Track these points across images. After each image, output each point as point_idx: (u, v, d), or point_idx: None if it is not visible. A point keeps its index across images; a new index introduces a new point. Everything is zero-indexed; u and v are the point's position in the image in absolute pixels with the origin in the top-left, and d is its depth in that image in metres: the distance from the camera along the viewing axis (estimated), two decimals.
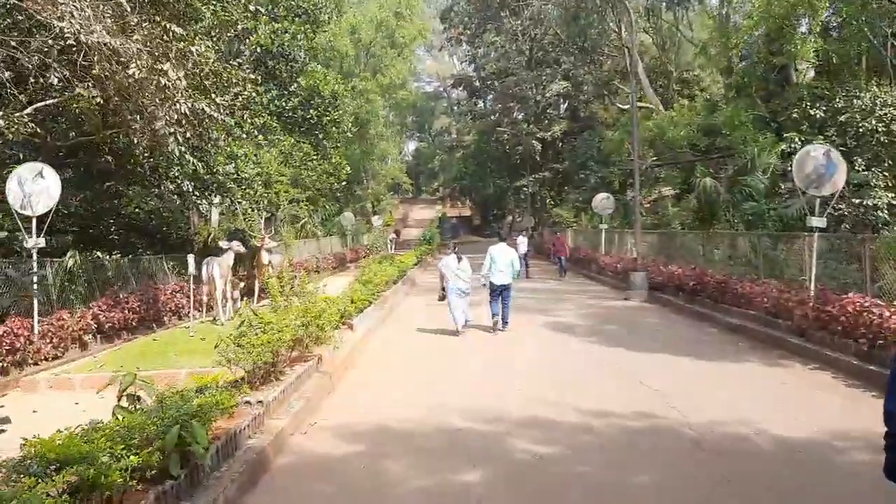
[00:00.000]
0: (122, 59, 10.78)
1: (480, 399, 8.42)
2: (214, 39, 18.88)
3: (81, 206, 20.84)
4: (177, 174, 17.18)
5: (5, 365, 10.11)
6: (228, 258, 13.57)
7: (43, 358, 11.08)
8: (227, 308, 14.07)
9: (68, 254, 13.70)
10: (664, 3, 39.14)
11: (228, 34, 20.01)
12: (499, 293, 13.70)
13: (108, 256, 19.71)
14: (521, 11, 46.02)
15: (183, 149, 13.79)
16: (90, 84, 12.20)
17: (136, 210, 21.06)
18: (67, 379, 9.73)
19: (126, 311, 13.70)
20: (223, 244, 13.83)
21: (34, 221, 11.21)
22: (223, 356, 7.34)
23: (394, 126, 63.71)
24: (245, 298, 13.96)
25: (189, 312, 14.18)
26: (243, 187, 19.26)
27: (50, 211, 11.32)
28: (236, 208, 19.49)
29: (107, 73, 11.09)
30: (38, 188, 11.22)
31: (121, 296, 13.88)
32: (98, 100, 11.95)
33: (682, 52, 42.74)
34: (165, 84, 10.99)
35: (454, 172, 74.37)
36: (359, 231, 41.40)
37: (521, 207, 59.33)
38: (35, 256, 11.26)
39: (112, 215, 21.35)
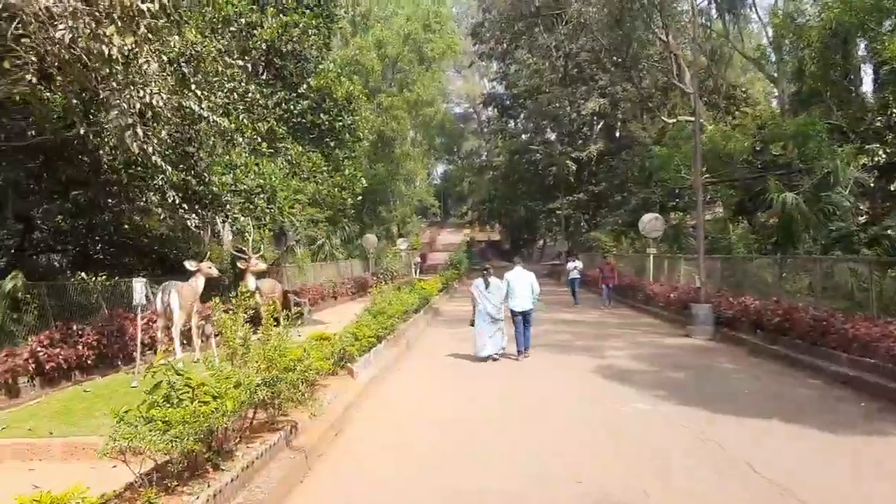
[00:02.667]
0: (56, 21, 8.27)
1: (520, 493, 5.61)
2: (215, 34, 16.53)
3: (65, 221, 18.60)
4: (160, 183, 14.67)
5: None
6: (195, 283, 10.90)
7: None
8: (196, 345, 11.38)
9: (9, 276, 11.17)
10: (714, 8, 36.25)
11: (231, 28, 17.70)
12: (520, 320, 13.02)
13: (92, 279, 17.36)
14: (554, 27, 43.44)
15: (150, 149, 11.29)
16: (26, 61, 9.81)
17: (125, 226, 18.67)
18: None
19: (80, 347, 11.10)
20: (189, 265, 11.17)
21: None
22: (120, 437, 4.61)
23: (421, 146, 61.34)
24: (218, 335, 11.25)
25: (147, 351, 11.60)
26: (242, 201, 16.70)
27: None
28: (234, 225, 16.90)
29: (38, 43, 8.59)
30: None
31: (73, 328, 11.27)
32: (32, 79, 9.47)
33: (731, 65, 39.88)
34: (110, 55, 8.42)
35: (483, 195, 72.00)
36: (382, 254, 38.75)
37: (553, 231, 56.46)
38: None
39: (102, 233, 19.04)
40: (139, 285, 10.34)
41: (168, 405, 4.93)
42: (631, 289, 25.37)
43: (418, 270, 40.91)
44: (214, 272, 11.32)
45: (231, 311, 7.11)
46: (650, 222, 24.37)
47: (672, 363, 12.38)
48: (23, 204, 14.93)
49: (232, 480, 5.16)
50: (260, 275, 13.24)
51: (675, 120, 33.85)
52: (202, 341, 11.24)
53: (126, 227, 18.41)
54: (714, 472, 6.29)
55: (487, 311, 12.78)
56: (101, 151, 12.01)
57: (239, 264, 12.56)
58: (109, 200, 16.70)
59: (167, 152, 14.96)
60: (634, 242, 33.00)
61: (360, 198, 24.60)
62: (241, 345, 6.34)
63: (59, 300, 12.80)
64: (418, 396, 10.01)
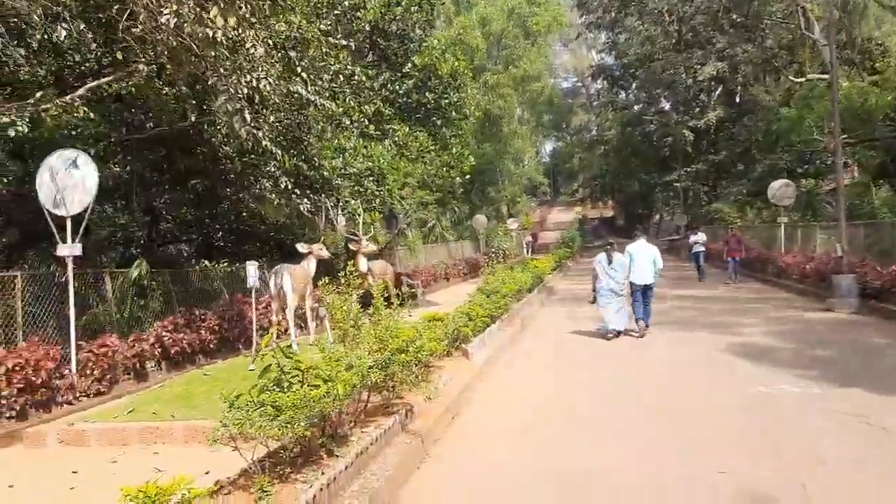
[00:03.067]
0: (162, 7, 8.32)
1: (656, 484, 5.05)
2: (319, 17, 16.60)
3: (189, 212, 19.30)
4: (273, 170, 14.87)
5: (20, 407, 7.85)
6: (307, 266, 10.86)
7: (82, 394, 8.82)
8: (311, 328, 11.40)
9: (135, 263, 11.57)
10: None
11: (335, 10, 17.71)
12: (641, 294, 12.55)
13: (214, 266, 17.92)
14: None
15: (260, 134, 11.34)
16: (145, 56, 10.01)
17: (244, 214, 19.15)
18: (82, 431, 7.27)
19: (202, 332, 11.37)
20: (301, 247, 11.14)
21: (69, 223, 8.97)
22: (231, 423, 4.43)
23: (529, 123, 60.32)
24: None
25: (265, 333, 11.75)
26: (352, 184, 16.72)
27: (87, 209, 9.04)
28: (345, 209, 16.95)
29: (147, 32, 8.69)
30: (71, 181, 8.99)
31: (196, 313, 11.56)
32: (143, 69, 9.67)
33: (865, 17, 36.49)
34: (215, 38, 8.39)
35: (595, 171, 70.24)
36: (492, 235, 38.34)
37: (670, 205, 54.14)
38: (71, 266, 9.00)
39: (222, 222, 19.66)
40: (252, 268, 10.45)
41: (278, 389, 4.72)
42: (760, 262, 23.78)
43: (530, 250, 40.23)
44: (325, 254, 11.28)
45: (342, 293, 6.92)
46: (780, 189, 22.66)
47: (815, 339, 11.31)
48: (147, 195, 15.50)
49: (346, 468, 4.91)
50: (371, 256, 13.14)
51: (803, 79, 31.37)
52: (317, 324, 11.24)
53: (244, 214, 18.88)
54: (879, 463, 5.50)
55: (611, 287, 12.36)
56: (214, 140, 12.20)
57: (350, 246, 12.50)
58: (228, 189, 17.13)
59: (277, 138, 15.19)
60: (761, 212, 31.03)
61: (467, 177, 24.27)
62: (352, 326, 6.10)
63: (182, 287, 13.23)
64: (535, 378, 9.54)
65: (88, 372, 8.98)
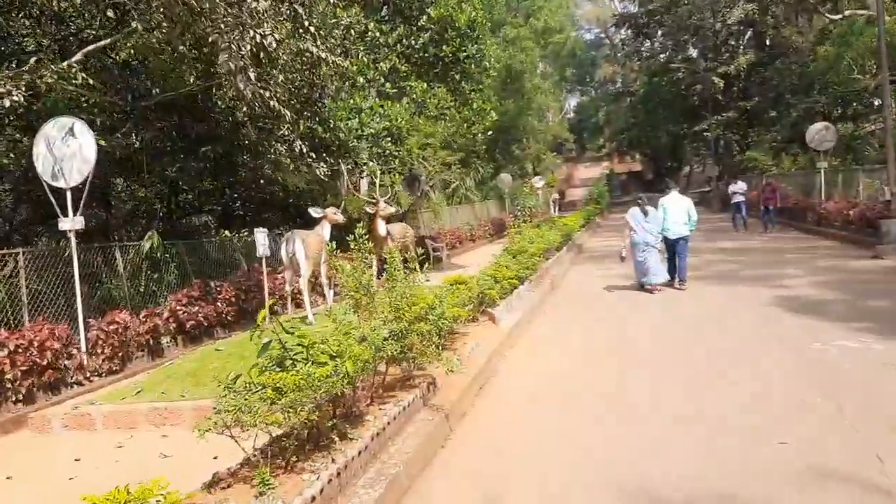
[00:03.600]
0: None
1: (709, 459, 4.46)
2: None
3: (210, 182, 18.86)
4: (286, 133, 14.29)
5: (26, 391, 7.48)
6: (321, 231, 10.28)
7: (93, 374, 8.45)
8: (329, 297, 10.88)
9: (146, 236, 11.13)
10: None
11: None
12: (676, 247, 12.27)
13: (231, 236, 17.53)
14: None
15: (268, 94, 10.74)
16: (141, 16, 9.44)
17: (262, 182, 18.65)
18: (87, 415, 6.87)
19: (219, 304, 10.96)
20: (314, 212, 10.55)
21: (69, 195, 8.50)
22: (224, 409, 3.92)
23: (552, 78, 58.82)
24: None
25: (280, 304, 11.32)
26: (369, 145, 16.10)
27: (86, 180, 8.54)
28: (362, 171, 16.36)
29: None
30: (69, 151, 8.48)
31: (211, 285, 11.13)
32: (138, 27, 9.08)
33: None
34: None
35: (621, 124, 68.56)
36: (518, 194, 37.55)
37: (700, 156, 52.69)
38: (74, 241, 8.55)
39: (241, 190, 19.22)
40: (261, 236, 9.90)
41: (279, 369, 4.20)
42: (798, 210, 22.80)
43: (557, 208, 39.41)
44: (340, 218, 10.66)
45: (355, 258, 6.38)
46: (819, 133, 21.54)
47: (868, 290, 10.55)
48: (161, 165, 15.04)
49: (360, 452, 4.40)
50: (391, 219, 12.56)
51: (840, 16, 29.79)
52: (335, 293, 10.72)
53: (262, 182, 18.39)
54: None
55: (646, 240, 12.06)
56: (221, 104, 11.63)
57: (367, 209, 11.89)
58: (244, 156, 16.62)
59: (290, 100, 14.58)
60: (797, 159, 29.82)
61: (489, 133, 23.47)
62: (364, 294, 5.54)
63: (198, 258, 12.82)
64: (568, 341, 8.95)
65: (99, 351, 8.60)
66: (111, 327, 8.68)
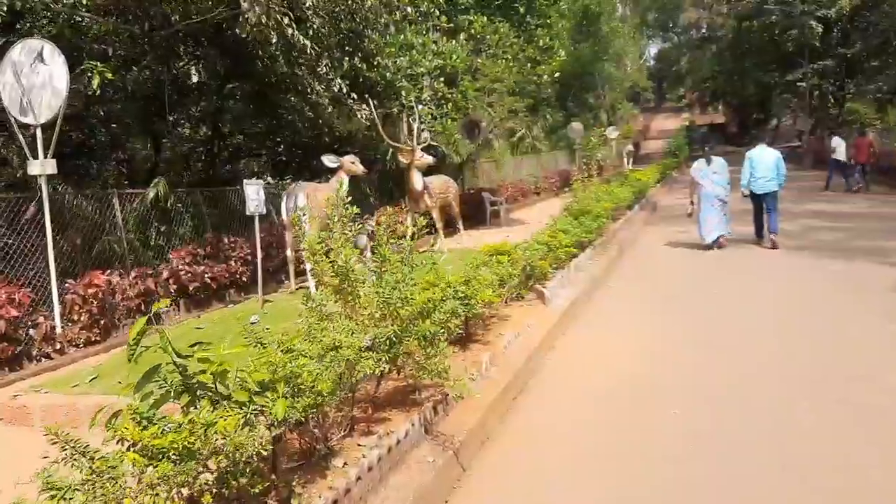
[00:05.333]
0: None
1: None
2: None
3: (252, 124, 17.57)
4: (325, 71, 12.69)
5: None
6: (336, 184, 8.64)
7: (70, 344, 7.22)
8: None
9: (153, 182, 9.79)
10: None
11: None
12: (760, 203, 11.72)
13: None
14: None
15: (286, 21, 9.14)
16: None
17: (306, 125, 17.15)
18: (24, 407, 5.58)
19: (232, 263, 9.59)
20: (328, 160, 8.87)
21: (39, 133, 7.15)
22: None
23: (631, 21, 55.19)
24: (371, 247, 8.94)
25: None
26: (420, 86, 14.37)
27: (57, 116, 7.15)
28: (413, 115, 14.64)
29: None
30: (38, 80, 7.09)
31: (225, 241, 9.75)
32: None
33: None
34: None
35: (704, 73, 64.28)
36: (589, 144, 35.15)
37: (790, 108, 48.60)
38: (46, 187, 7.22)
39: (284, 134, 17.84)
40: (252, 189, 8.21)
41: (159, 422, 2.69)
42: None
43: (631, 160, 36.78)
44: (359, 169, 8.94)
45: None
46: None
47: None
48: (187, 103, 13.74)
49: None
50: (429, 170, 10.86)
51: None
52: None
53: (305, 125, 16.92)
54: None
55: (716, 193, 11.59)
56: (237, 31, 10.07)
57: (400, 157, 10.20)
58: (281, 96, 15.12)
59: (329, 32, 12.94)
60: None
61: (557, 76, 21.29)
62: (343, 281, 3.94)
63: (217, 209, 11.48)
64: (636, 328, 7.17)
65: (76, 318, 7.35)
66: (90, 291, 7.39)
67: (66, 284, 7.39)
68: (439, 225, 10.51)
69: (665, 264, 10.80)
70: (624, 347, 6.48)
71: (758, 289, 8.69)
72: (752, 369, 5.63)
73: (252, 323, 6.99)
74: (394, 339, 3.71)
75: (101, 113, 13.02)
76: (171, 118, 13.47)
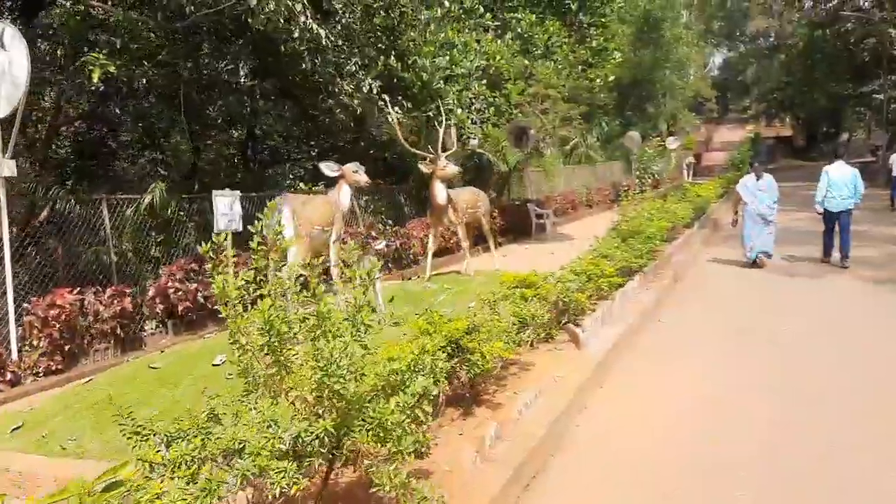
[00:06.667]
0: None
1: None
2: None
3: (294, 128, 16.72)
4: (355, 69, 11.66)
5: None
6: (336, 197, 7.37)
7: (30, 372, 6.29)
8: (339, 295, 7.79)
9: (150, 187, 8.84)
10: None
11: None
12: (833, 222, 11.18)
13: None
14: None
15: (298, 7, 8.08)
16: None
17: (340, 128, 16.15)
18: None
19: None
20: (327, 168, 7.63)
21: None
22: None
23: (696, 28, 53.07)
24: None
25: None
26: (459, 88, 13.21)
27: (17, 110, 6.22)
28: (448, 119, 13.47)
29: None
30: None
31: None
32: None
33: None
34: None
35: (772, 83, 61.60)
36: (647, 155, 33.42)
37: (866, 120, 45.85)
38: (3, 193, 6.28)
39: (318, 138, 16.93)
40: (223, 202, 7.06)
41: None
42: None
43: (691, 173, 34.91)
44: (362, 178, 7.63)
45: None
46: None
47: None
48: (209, 99, 12.87)
49: None
50: (454, 182, 9.62)
51: None
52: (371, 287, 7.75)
53: (338, 128, 15.93)
54: None
55: (759, 211, 11.20)
56: (249, 21, 9.07)
57: (422, 167, 8.98)
58: (329, 100, 14.10)
59: (362, 28, 11.92)
60: None
61: (611, 79, 19.80)
62: (270, 341, 2.76)
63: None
64: (692, 376, 5.79)
65: (36, 343, 6.41)
66: (52, 312, 6.43)
67: (25, 305, 6.44)
68: (465, 244, 9.28)
69: (727, 293, 9.37)
70: (677, 404, 5.17)
71: (838, 327, 7.23)
72: (842, 435, 4.26)
73: (216, 364, 5.93)
74: (330, 436, 2.53)
75: (118, 111, 12.29)
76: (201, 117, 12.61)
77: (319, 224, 6.75)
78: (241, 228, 7.22)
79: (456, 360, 3.95)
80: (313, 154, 17.02)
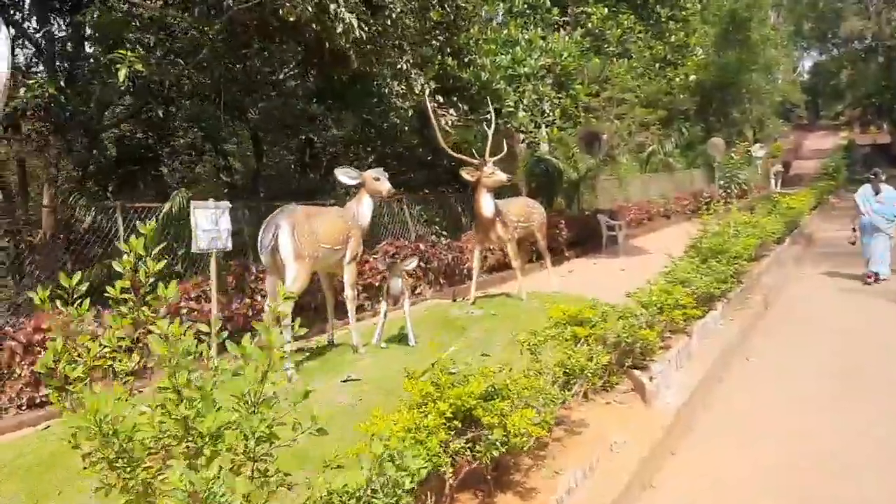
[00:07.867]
0: None
1: None
2: None
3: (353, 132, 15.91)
4: (405, 67, 10.70)
5: None
6: (354, 209, 6.23)
7: (9, 404, 5.53)
8: (352, 320, 6.49)
9: (172, 195, 8.07)
10: None
11: None
12: None
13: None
14: None
15: None
16: None
17: (397, 130, 15.17)
18: None
19: (259, 299, 7.71)
20: (343, 175, 6.44)
21: None
22: None
23: (785, 29, 50.24)
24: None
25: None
26: (520, 90, 12.09)
27: None
28: (508, 121, 12.32)
29: None
30: None
31: (253, 269, 7.88)
32: None
33: None
34: None
35: (868, 88, 57.93)
36: (731, 163, 31.30)
37: None
38: None
39: (375, 144, 16.06)
40: (204, 216, 5.90)
41: None
42: None
43: (779, 182, 32.65)
44: (385, 188, 6.43)
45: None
46: None
47: None
48: (255, 101, 12.17)
49: None
50: (502, 191, 8.42)
51: None
52: (388, 308, 6.52)
53: (396, 133, 15.00)
54: None
55: (875, 223, 10.51)
56: (280, 12, 8.22)
57: (465, 174, 7.80)
58: (383, 103, 13.20)
59: (416, 21, 10.95)
60: None
61: (692, 78, 18.23)
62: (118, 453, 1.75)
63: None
64: (792, 436, 4.52)
65: (18, 372, 5.64)
66: (37, 337, 5.66)
67: (6, 329, 5.69)
68: (516, 263, 8.11)
69: (828, 322, 7.93)
70: (775, 480, 3.92)
71: None
72: None
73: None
74: None
75: (160, 114, 11.71)
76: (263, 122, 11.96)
77: (328, 242, 5.67)
78: (229, 247, 6.23)
79: (466, 438, 2.87)
80: (370, 161, 16.17)
